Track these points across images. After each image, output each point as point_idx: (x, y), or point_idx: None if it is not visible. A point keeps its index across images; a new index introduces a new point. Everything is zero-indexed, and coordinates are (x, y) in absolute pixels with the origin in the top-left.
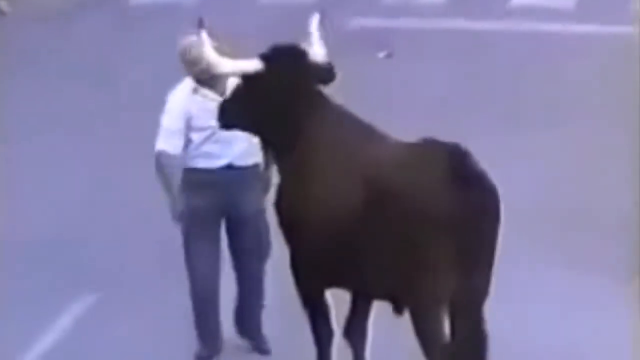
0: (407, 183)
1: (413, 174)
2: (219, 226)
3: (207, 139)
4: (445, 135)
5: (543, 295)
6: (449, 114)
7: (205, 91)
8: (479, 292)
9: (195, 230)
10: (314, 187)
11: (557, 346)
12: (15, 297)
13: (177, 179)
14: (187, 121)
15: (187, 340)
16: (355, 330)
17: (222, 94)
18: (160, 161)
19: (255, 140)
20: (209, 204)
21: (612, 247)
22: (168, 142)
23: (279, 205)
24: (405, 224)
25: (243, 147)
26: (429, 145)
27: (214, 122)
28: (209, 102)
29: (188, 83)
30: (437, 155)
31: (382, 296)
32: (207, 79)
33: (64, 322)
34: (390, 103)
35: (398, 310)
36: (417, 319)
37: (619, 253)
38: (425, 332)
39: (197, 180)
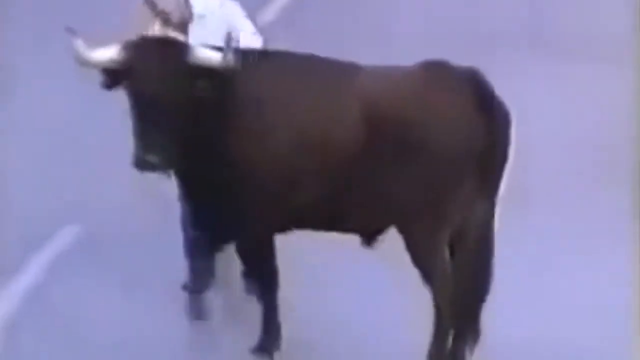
0: (426, 111)
1: (431, 101)
2: None
3: None
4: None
5: (543, 240)
6: (447, 40)
7: (166, 29)
8: (488, 219)
9: None
10: (304, 131)
11: (556, 292)
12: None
13: None
14: None
15: (174, 273)
16: None
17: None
18: None
19: None
20: None
21: (613, 190)
22: None
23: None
24: (428, 154)
25: None
26: (441, 69)
27: None
28: None
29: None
30: (455, 80)
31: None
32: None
33: (48, 252)
34: (385, 30)
35: (369, 242)
36: (419, 246)
37: (620, 196)
38: (429, 260)
39: None
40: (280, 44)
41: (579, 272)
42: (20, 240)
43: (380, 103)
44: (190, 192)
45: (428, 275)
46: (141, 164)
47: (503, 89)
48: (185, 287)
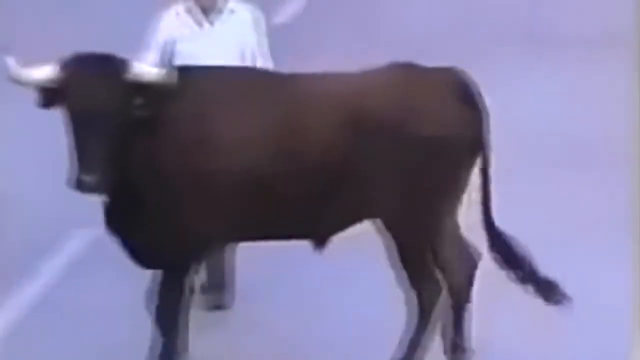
0: (411, 107)
1: (415, 97)
2: None
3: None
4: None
5: (541, 239)
6: (453, 39)
7: (197, 11)
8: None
9: None
10: (292, 135)
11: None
12: (15, 227)
13: None
14: (171, 45)
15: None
16: None
17: (211, 22)
18: None
19: None
20: None
21: (613, 188)
22: (143, 54)
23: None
24: (420, 151)
25: None
26: (413, 67)
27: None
28: (193, 25)
29: (181, 3)
30: (431, 75)
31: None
32: None
33: (59, 255)
34: (393, 32)
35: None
36: (410, 248)
37: (620, 194)
38: (418, 256)
39: None
40: (290, 47)
41: (578, 272)
42: (30, 244)
43: (365, 106)
44: (124, 210)
45: (416, 278)
46: (77, 185)
47: (502, 86)
48: (202, 289)
